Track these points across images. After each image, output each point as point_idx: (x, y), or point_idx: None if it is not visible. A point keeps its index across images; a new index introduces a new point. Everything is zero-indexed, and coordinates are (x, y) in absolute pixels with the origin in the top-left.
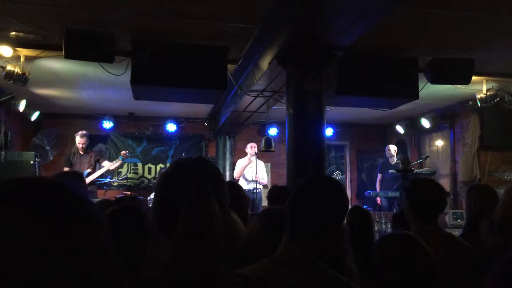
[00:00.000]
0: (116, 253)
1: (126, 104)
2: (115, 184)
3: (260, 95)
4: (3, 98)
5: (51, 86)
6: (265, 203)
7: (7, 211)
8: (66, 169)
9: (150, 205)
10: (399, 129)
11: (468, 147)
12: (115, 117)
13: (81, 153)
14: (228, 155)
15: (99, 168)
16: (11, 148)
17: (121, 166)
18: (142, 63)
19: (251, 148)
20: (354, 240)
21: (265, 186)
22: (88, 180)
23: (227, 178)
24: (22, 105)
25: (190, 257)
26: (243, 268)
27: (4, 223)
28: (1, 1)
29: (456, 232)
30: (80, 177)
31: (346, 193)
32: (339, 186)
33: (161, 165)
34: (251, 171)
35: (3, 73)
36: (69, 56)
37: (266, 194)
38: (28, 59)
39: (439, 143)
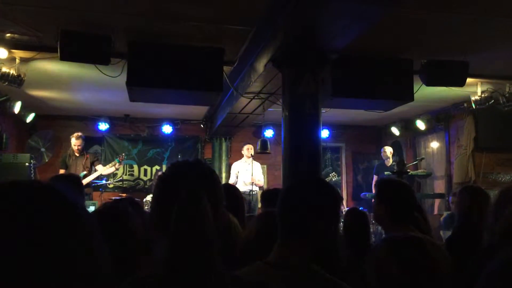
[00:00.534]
0: (108, 256)
1: (122, 106)
2: (111, 186)
3: (256, 97)
4: None
5: (47, 88)
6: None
7: None
8: (61, 171)
9: (146, 207)
10: (395, 130)
11: (463, 149)
12: (110, 119)
13: (77, 155)
14: (224, 157)
15: (95, 171)
16: (6, 150)
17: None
18: (137, 65)
19: (247, 150)
20: (351, 241)
21: (261, 188)
22: (83, 182)
23: (223, 180)
24: (17, 107)
25: (182, 256)
26: (238, 269)
27: None
28: None
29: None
30: (76, 180)
31: (335, 194)
32: (328, 188)
33: (157, 167)
34: (247, 173)
35: None
36: (64, 58)
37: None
38: (24, 60)
39: (434, 144)
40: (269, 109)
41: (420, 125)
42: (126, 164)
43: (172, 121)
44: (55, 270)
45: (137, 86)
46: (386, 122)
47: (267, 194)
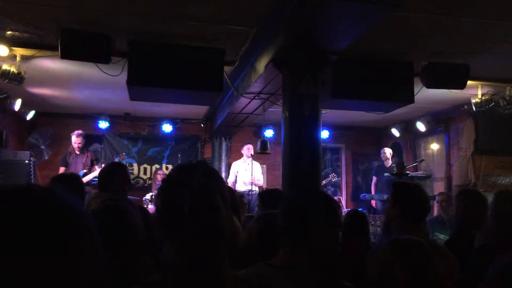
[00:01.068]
0: (108, 262)
1: (122, 104)
2: None
3: (256, 97)
4: None
5: (47, 86)
6: None
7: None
8: (61, 169)
9: (145, 205)
10: (395, 132)
11: (463, 151)
12: (111, 117)
13: (77, 153)
14: (224, 157)
15: (94, 170)
16: (6, 147)
17: None
18: (138, 64)
19: (247, 150)
20: (350, 242)
21: (260, 188)
22: (83, 180)
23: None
24: (17, 104)
25: (195, 253)
26: (239, 270)
27: None
28: None
29: None
30: (77, 181)
31: (330, 200)
32: (323, 194)
33: (157, 166)
34: (247, 173)
35: None
36: (65, 56)
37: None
38: (24, 58)
39: (434, 146)
40: (269, 109)
41: (420, 126)
42: (126, 163)
43: (172, 120)
44: (54, 276)
45: (137, 85)
46: (386, 123)
47: (265, 194)
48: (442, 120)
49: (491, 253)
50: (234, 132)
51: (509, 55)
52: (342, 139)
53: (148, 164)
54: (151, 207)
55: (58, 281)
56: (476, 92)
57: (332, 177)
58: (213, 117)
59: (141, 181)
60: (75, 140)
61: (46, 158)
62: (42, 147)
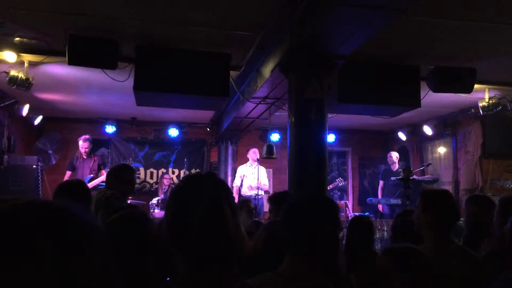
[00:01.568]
0: (119, 276)
1: (129, 109)
2: None
3: (262, 102)
4: (6, 103)
5: (55, 91)
6: (266, 208)
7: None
8: (68, 173)
9: (151, 210)
10: (401, 136)
11: (470, 155)
12: (117, 122)
13: (84, 157)
14: (230, 161)
15: (101, 174)
16: (14, 152)
17: None
18: (145, 69)
19: (253, 154)
20: (355, 249)
21: (266, 192)
22: (90, 185)
23: (228, 183)
24: (25, 110)
25: (205, 267)
26: (247, 278)
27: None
28: (4, 7)
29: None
30: (83, 188)
31: (335, 210)
32: (328, 203)
33: (163, 170)
34: (253, 177)
35: (7, 78)
36: (72, 62)
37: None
38: (32, 64)
39: (441, 150)
40: (275, 113)
41: (427, 130)
42: (133, 167)
43: (179, 125)
44: None
45: (144, 90)
46: (393, 127)
47: (275, 198)
48: (449, 124)
49: (497, 261)
50: (240, 136)
51: None
52: (348, 142)
53: (155, 168)
54: (157, 212)
55: None
56: (483, 95)
57: (339, 181)
58: (219, 121)
59: (148, 186)
60: (82, 144)
61: (54, 162)
62: (50, 151)
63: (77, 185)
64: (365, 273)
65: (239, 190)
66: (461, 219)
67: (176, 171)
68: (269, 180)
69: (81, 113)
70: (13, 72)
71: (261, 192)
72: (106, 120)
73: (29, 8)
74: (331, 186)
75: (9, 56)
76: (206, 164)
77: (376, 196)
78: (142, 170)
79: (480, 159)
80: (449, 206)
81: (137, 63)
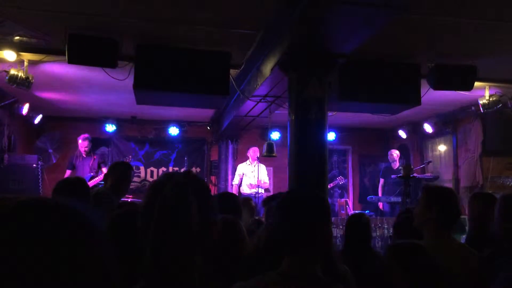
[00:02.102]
0: (117, 272)
1: (129, 108)
2: None
3: (262, 100)
4: (6, 102)
5: (55, 90)
6: None
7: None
8: (68, 171)
9: None
10: (402, 134)
11: (471, 153)
12: (117, 121)
13: (84, 156)
14: (230, 159)
15: (102, 173)
16: (14, 151)
17: None
18: (145, 68)
19: (253, 153)
20: (353, 246)
21: (267, 190)
22: (90, 184)
23: (229, 182)
24: (25, 109)
25: (164, 251)
26: (249, 278)
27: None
28: (4, 6)
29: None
30: (82, 185)
31: (329, 206)
32: (323, 199)
33: (164, 169)
34: (253, 176)
35: (7, 77)
36: (72, 61)
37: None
38: (32, 63)
39: (442, 148)
40: (275, 111)
41: (428, 128)
42: (133, 166)
43: (179, 123)
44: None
45: (144, 89)
46: (393, 125)
47: (269, 201)
48: (450, 122)
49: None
50: (241, 134)
51: None
52: (349, 140)
53: (155, 167)
54: None
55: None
56: (483, 93)
57: (340, 180)
58: (220, 120)
59: (148, 184)
60: (82, 143)
61: (54, 161)
62: (50, 150)
63: (77, 183)
64: (364, 271)
65: (238, 189)
66: (462, 216)
67: (177, 169)
68: (269, 179)
69: (81, 112)
70: (13, 71)
71: (261, 190)
72: (106, 119)
73: (29, 7)
74: (331, 184)
75: (9, 55)
76: (206, 162)
77: (377, 194)
78: (142, 168)
79: (481, 157)
80: (453, 204)
81: (137, 62)
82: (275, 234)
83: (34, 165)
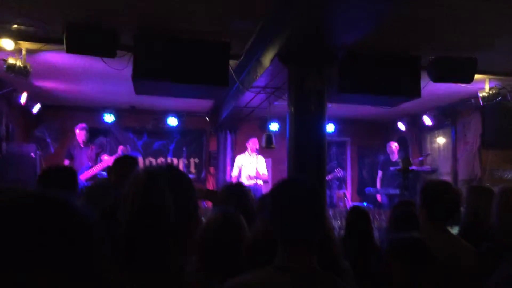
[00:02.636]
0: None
1: (128, 98)
2: None
3: (261, 92)
4: (4, 91)
5: (53, 79)
6: None
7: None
8: (66, 161)
9: None
10: (401, 126)
11: (470, 145)
12: (116, 111)
13: (82, 146)
14: (229, 150)
15: (100, 162)
16: (12, 140)
17: None
18: (143, 58)
19: (252, 144)
20: (353, 239)
21: (265, 181)
22: (89, 174)
23: (227, 173)
24: (23, 98)
25: (136, 236)
26: (248, 270)
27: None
28: None
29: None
30: (69, 176)
31: (319, 195)
32: (311, 189)
33: (162, 159)
34: (252, 167)
35: (5, 66)
36: (70, 50)
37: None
38: (30, 52)
39: (441, 140)
40: (274, 102)
41: (427, 120)
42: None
43: (178, 114)
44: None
45: (142, 79)
46: (392, 117)
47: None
48: (449, 114)
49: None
50: (239, 125)
51: None
52: (348, 132)
53: (154, 158)
54: None
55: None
56: (483, 86)
57: (338, 171)
58: (219, 110)
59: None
60: (79, 133)
61: (52, 151)
62: (48, 140)
63: (62, 172)
64: (365, 264)
65: (237, 180)
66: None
67: (175, 160)
68: (268, 170)
69: (80, 101)
70: (11, 60)
71: (260, 182)
72: (105, 108)
73: None
74: (330, 176)
75: (7, 43)
76: (205, 153)
77: (375, 186)
78: (141, 159)
79: (479, 150)
80: (446, 199)
81: (136, 52)
82: (269, 225)
83: (32, 154)
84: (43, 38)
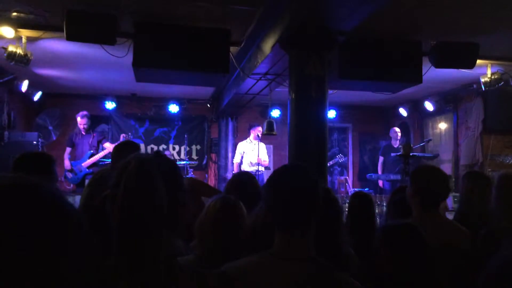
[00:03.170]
0: (97, 247)
1: (129, 85)
2: None
3: (262, 78)
4: (5, 79)
5: (54, 67)
6: None
7: None
8: (68, 149)
9: None
10: (402, 112)
11: (471, 131)
12: (117, 98)
13: (83, 133)
14: (230, 137)
15: (102, 150)
16: (14, 128)
17: None
18: (144, 45)
19: (255, 131)
20: (355, 225)
21: (267, 168)
22: (90, 161)
23: (229, 160)
24: (24, 86)
25: (128, 220)
26: (244, 256)
27: None
28: None
29: None
30: (42, 162)
31: (316, 182)
32: (309, 175)
33: (164, 146)
34: (253, 154)
35: (5, 54)
36: (70, 37)
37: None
38: (30, 40)
39: (442, 126)
40: (276, 89)
41: (429, 106)
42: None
43: (179, 101)
44: (35, 269)
45: (143, 66)
46: (394, 103)
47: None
48: (451, 100)
49: (496, 239)
50: (241, 112)
51: None
52: (349, 118)
53: (155, 145)
54: None
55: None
56: (485, 71)
57: (340, 157)
58: (220, 97)
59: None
60: (80, 121)
61: (54, 138)
62: (50, 127)
63: (34, 158)
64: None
65: (239, 167)
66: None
67: (177, 147)
68: (269, 157)
69: (81, 89)
70: (11, 48)
71: (261, 168)
72: (106, 96)
73: None
74: (331, 162)
75: (7, 31)
76: (206, 140)
77: (376, 172)
78: (142, 146)
79: (481, 135)
80: (435, 183)
81: (136, 39)
82: (266, 211)
83: (35, 142)
84: (43, 26)
